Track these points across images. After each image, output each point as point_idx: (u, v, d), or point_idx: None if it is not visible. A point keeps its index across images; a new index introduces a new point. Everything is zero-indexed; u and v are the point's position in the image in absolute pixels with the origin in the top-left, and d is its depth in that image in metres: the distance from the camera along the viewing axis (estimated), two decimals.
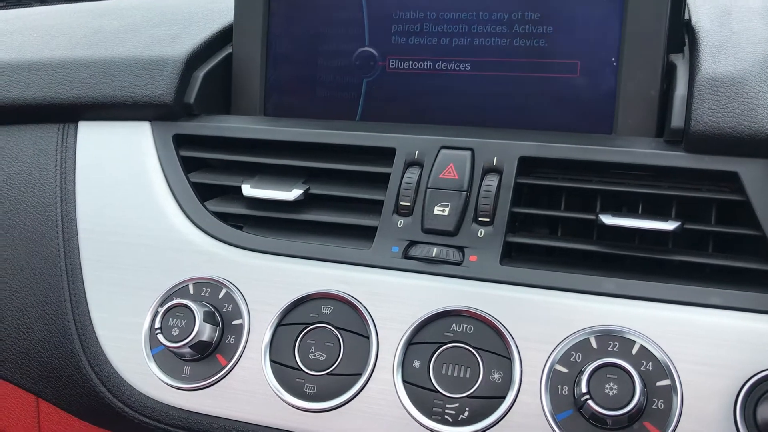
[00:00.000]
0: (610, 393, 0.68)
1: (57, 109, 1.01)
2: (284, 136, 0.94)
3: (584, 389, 0.69)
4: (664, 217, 0.79)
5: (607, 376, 0.69)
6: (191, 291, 0.85)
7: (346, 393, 0.77)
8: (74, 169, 0.98)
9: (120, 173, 0.96)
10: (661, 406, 0.70)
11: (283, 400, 0.79)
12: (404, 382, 0.76)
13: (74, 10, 1.31)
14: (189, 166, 0.96)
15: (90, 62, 1.02)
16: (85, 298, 0.89)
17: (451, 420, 0.74)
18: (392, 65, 0.98)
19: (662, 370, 0.71)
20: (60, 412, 0.93)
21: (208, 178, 0.95)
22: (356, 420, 0.77)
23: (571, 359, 0.73)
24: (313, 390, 0.79)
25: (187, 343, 0.80)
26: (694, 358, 0.71)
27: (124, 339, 0.86)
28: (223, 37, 1.06)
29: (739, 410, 0.69)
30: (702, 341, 0.72)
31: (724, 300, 0.73)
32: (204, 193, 0.94)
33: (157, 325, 0.82)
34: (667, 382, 0.71)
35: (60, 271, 0.92)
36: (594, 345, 0.73)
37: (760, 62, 0.81)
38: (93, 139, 1.00)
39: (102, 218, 0.93)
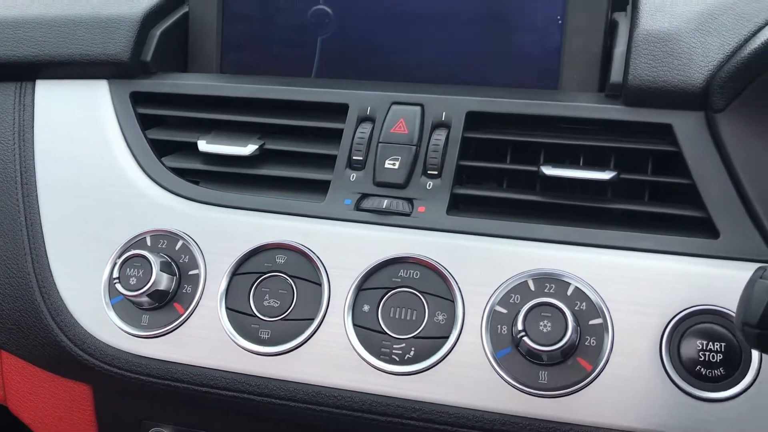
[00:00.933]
0: (544, 330, 0.72)
1: (13, 68, 1.02)
2: (239, 92, 0.96)
3: (520, 327, 0.73)
4: (602, 168, 0.83)
5: (542, 314, 0.73)
6: (149, 243, 0.88)
7: (299, 337, 0.81)
8: (32, 127, 0.99)
9: (78, 130, 0.97)
10: (593, 343, 0.75)
11: (239, 345, 0.82)
12: (354, 325, 0.80)
13: None
14: (146, 123, 0.98)
15: (46, 21, 1.03)
16: (45, 251, 0.91)
17: (398, 359, 0.78)
18: (346, 23, 1.00)
19: (595, 309, 0.75)
20: (22, 362, 0.95)
21: (164, 134, 0.97)
22: (309, 362, 0.81)
23: (510, 301, 0.77)
24: (268, 335, 0.82)
25: (145, 291, 0.82)
26: (625, 298, 0.76)
27: (84, 290, 0.89)
28: None
29: (665, 346, 0.73)
30: (632, 283, 0.76)
31: (653, 244, 0.78)
32: (161, 149, 0.96)
33: (116, 275, 0.84)
34: (599, 320, 0.75)
35: (20, 226, 0.93)
36: (532, 287, 0.77)
37: (694, 19, 0.84)
38: (50, 97, 1.01)
39: (60, 174, 0.95)
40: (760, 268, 0.57)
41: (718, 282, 0.74)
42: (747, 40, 0.80)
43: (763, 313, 0.54)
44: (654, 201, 0.84)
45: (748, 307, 0.54)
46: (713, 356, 0.72)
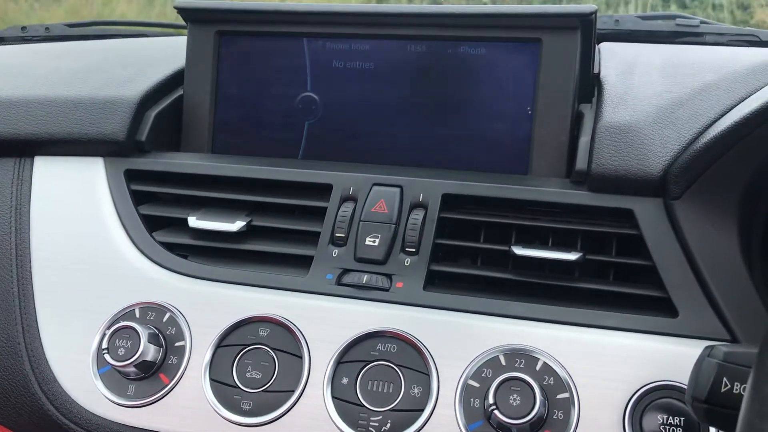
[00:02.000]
0: (514, 404, 0.76)
1: (14, 144, 1.08)
2: (229, 171, 1.01)
3: (491, 400, 0.76)
4: (569, 249, 0.88)
5: (512, 388, 0.77)
6: (137, 315, 0.92)
7: (279, 408, 0.84)
8: (29, 200, 1.04)
9: (73, 205, 1.02)
10: (560, 416, 0.78)
11: (221, 416, 0.85)
12: (333, 397, 0.83)
13: (34, 50, 1.38)
14: (139, 199, 1.03)
15: (47, 100, 1.09)
16: (36, 321, 0.94)
17: (374, 431, 0.81)
18: (331, 109, 1.07)
19: (562, 384, 0.79)
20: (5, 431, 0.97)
21: (156, 210, 1.02)
22: None
23: (483, 375, 0.81)
24: (249, 406, 0.85)
25: (132, 362, 0.86)
26: (590, 373, 0.80)
27: (73, 359, 0.91)
28: (176, 79, 1.14)
29: (628, 419, 0.77)
30: (597, 359, 0.81)
31: (616, 322, 0.82)
32: (152, 224, 1.00)
33: (104, 345, 0.87)
34: (566, 395, 0.79)
35: (12, 297, 0.97)
36: (503, 362, 0.81)
37: (653, 113, 0.92)
38: (48, 172, 1.06)
39: (55, 247, 0.99)
40: (707, 347, 0.62)
41: (677, 359, 0.79)
42: (701, 133, 0.87)
43: (710, 389, 0.58)
44: (618, 281, 0.90)
45: (697, 383, 0.59)
46: (673, 430, 0.76)
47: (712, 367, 0.59)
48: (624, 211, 0.88)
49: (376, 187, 0.95)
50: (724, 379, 0.58)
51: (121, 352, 0.87)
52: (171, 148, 1.11)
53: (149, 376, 0.88)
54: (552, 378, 0.80)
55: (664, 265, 0.84)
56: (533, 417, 0.75)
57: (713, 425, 0.60)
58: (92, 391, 0.89)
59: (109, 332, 0.88)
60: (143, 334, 0.87)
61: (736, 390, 0.57)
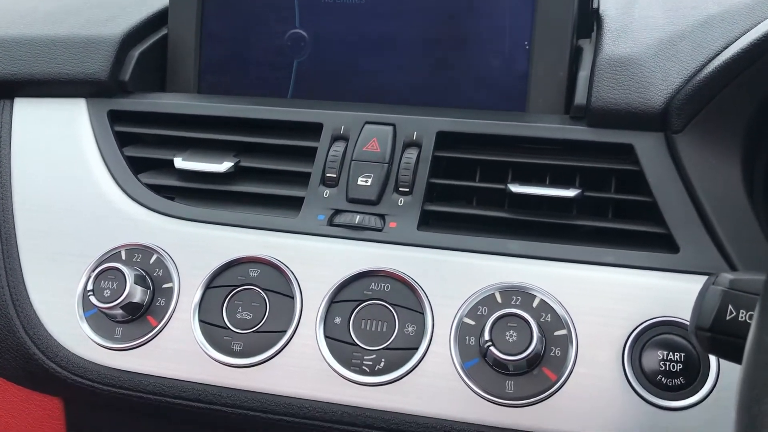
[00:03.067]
0: (510, 340, 0.74)
1: None
2: (216, 111, 0.98)
3: (487, 337, 0.75)
4: (567, 186, 0.86)
5: (508, 324, 0.75)
6: (123, 256, 0.89)
7: (271, 349, 0.82)
8: (9, 143, 1.00)
9: (55, 147, 0.99)
10: (557, 353, 0.77)
11: (211, 357, 0.83)
12: (326, 337, 0.82)
13: None
14: (123, 140, 0.99)
15: (26, 40, 1.05)
16: (20, 264, 0.92)
17: (368, 370, 0.80)
18: (321, 46, 1.03)
19: (559, 321, 0.78)
20: None
21: (141, 151, 0.99)
22: (281, 374, 0.82)
23: (478, 312, 0.79)
24: (240, 347, 0.83)
25: (118, 303, 0.83)
26: (589, 310, 0.78)
27: (58, 303, 0.89)
28: (160, 18, 1.09)
29: (627, 356, 0.76)
30: (596, 295, 0.79)
31: (616, 258, 0.80)
32: (137, 166, 0.97)
33: (90, 287, 0.85)
34: (563, 332, 0.77)
35: None
36: (498, 299, 0.79)
37: (654, 45, 0.88)
38: (29, 114, 1.03)
39: (38, 190, 0.96)
40: (711, 275, 0.60)
41: (678, 294, 0.77)
42: (704, 65, 0.84)
43: (715, 316, 0.56)
44: (617, 218, 0.87)
45: (701, 311, 0.57)
46: (673, 366, 0.74)
47: (717, 295, 0.57)
48: (624, 146, 0.85)
49: (368, 126, 0.92)
50: (729, 306, 0.56)
51: (107, 293, 0.84)
52: (155, 88, 1.07)
53: (137, 319, 0.86)
54: (549, 315, 0.78)
55: (665, 200, 0.82)
56: (530, 353, 0.74)
57: (717, 354, 0.58)
58: (78, 335, 0.87)
59: (94, 274, 0.86)
60: (129, 275, 0.84)
61: (742, 317, 0.55)
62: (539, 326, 0.76)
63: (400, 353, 0.80)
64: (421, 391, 0.78)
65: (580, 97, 0.89)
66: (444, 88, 0.99)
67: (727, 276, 0.58)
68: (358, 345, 0.81)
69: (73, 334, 0.88)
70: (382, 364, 0.80)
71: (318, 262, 0.85)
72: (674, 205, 0.82)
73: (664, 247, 0.81)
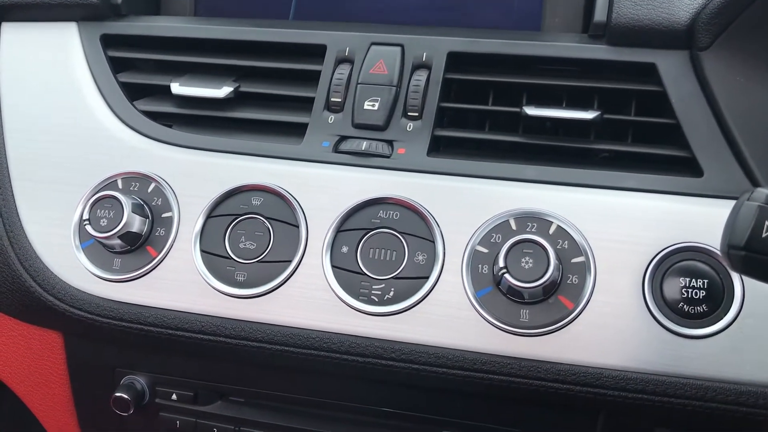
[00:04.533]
0: (526, 267, 0.71)
1: None
2: (214, 34, 0.93)
3: (502, 264, 0.71)
4: (585, 108, 0.81)
5: (524, 251, 0.71)
6: (120, 185, 0.85)
7: (276, 279, 0.79)
8: None
9: (46, 73, 0.94)
10: (575, 281, 0.73)
11: (214, 288, 0.80)
12: (333, 266, 0.78)
13: None
14: (117, 66, 0.94)
15: None
16: (13, 195, 0.88)
17: (377, 300, 0.77)
18: None
19: (577, 248, 0.74)
20: None
21: (136, 77, 0.94)
22: (286, 304, 0.79)
23: (491, 240, 0.76)
24: (244, 277, 0.80)
25: (116, 233, 0.80)
26: (608, 236, 0.75)
27: (53, 234, 0.86)
28: None
29: (647, 283, 0.72)
30: (615, 221, 0.75)
31: (636, 183, 0.76)
32: (133, 92, 0.93)
33: (86, 216, 0.81)
34: (581, 258, 0.74)
35: None
36: (513, 226, 0.76)
37: None
38: (17, 39, 0.97)
39: (28, 117, 0.92)
40: (746, 191, 0.56)
41: (702, 219, 0.74)
42: None
43: (750, 234, 0.52)
44: (637, 142, 0.83)
45: (734, 229, 0.53)
46: (696, 293, 0.71)
47: (753, 211, 0.53)
48: (646, 65, 0.80)
49: (374, 47, 0.87)
50: (766, 222, 0.52)
51: (104, 222, 0.81)
52: (150, 11, 1.02)
53: (135, 249, 0.83)
54: (566, 242, 0.75)
55: (689, 122, 0.77)
56: (546, 281, 0.70)
57: (751, 275, 0.54)
58: (76, 267, 0.84)
59: (90, 203, 0.82)
60: (126, 204, 0.81)
61: None
62: (556, 253, 0.72)
63: (410, 282, 0.77)
64: (432, 320, 0.76)
65: (599, 14, 0.84)
66: (454, 7, 0.93)
67: (764, 191, 0.54)
68: (366, 274, 0.78)
69: (70, 265, 0.84)
70: (391, 293, 0.77)
71: (323, 189, 0.82)
72: (699, 126, 0.77)
73: (688, 171, 0.77)
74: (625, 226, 0.75)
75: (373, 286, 0.77)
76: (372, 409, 0.83)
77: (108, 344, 0.89)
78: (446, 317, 0.75)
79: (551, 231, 0.75)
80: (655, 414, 0.74)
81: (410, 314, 0.76)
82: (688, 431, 0.77)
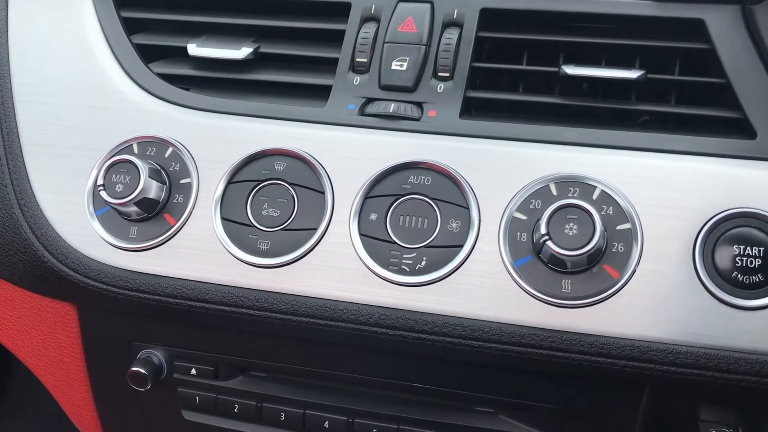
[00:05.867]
0: (570, 233, 0.67)
1: None
2: None
3: (543, 230, 0.67)
4: (627, 67, 0.77)
5: (567, 217, 0.67)
6: (136, 150, 0.81)
7: (301, 248, 0.75)
8: (6, 30, 0.91)
9: (57, 34, 0.89)
10: (620, 249, 0.69)
11: (235, 257, 0.76)
12: (361, 234, 0.74)
13: None
14: (131, 27, 0.90)
15: None
16: (23, 161, 0.84)
17: (408, 270, 0.73)
18: None
19: (622, 214, 0.70)
20: (1, 282, 0.89)
21: (151, 39, 0.89)
22: (312, 274, 0.75)
23: (530, 206, 0.72)
24: (267, 246, 0.76)
25: (132, 199, 0.76)
26: (655, 202, 0.70)
27: (66, 201, 0.82)
28: None
29: (698, 251, 0.68)
30: (663, 186, 0.70)
31: (686, 145, 0.72)
32: (148, 55, 0.88)
33: (100, 182, 0.77)
34: (627, 225, 0.69)
35: None
36: (554, 192, 0.71)
37: None
38: (26, 0, 0.93)
39: (39, 79, 0.88)
40: None
41: (756, 184, 0.69)
42: None
43: None
44: (682, 104, 0.78)
45: None
46: (751, 262, 0.67)
47: None
48: (693, 21, 0.75)
49: (401, 4, 0.82)
50: None
51: (119, 188, 0.77)
52: None
53: (153, 217, 0.79)
54: (611, 208, 0.70)
55: (741, 81, 0.73)
56: (591, 248, 0.66)
57: None
58: (90, 235, 0.80)
59: (104, 168, 0.78)
60: (143, 168, 0.77)
61: None
62: (601, 219, 0.67)
63: (443, 251, 0.72)
64: (467, 291, 0.71)
65: None
66: None
67: None
68: (396, 243, 0.73)
69: (84, 234, 0.81)
70: (423, 263, 0.73)
71: (350, 154, 0.77)
72: (751, 85, 0.72)
73: (739, 133, 0.73)
74: (674, 191, 0.70)
75: (404, 256, 0.73)
76: (401, 385, 0.80)
77: (124, 317, 0.85)
78: (482, 288, 0.71)
79: (595, 196, 0.71)
80: (704, 390, 0.70)
81: (443, 285, 0.72)
82: (736, 410, 0.72)
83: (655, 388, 0.72)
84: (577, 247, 0.66)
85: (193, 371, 0.85)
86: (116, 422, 0.94)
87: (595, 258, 0.68)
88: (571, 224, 0.67)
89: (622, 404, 0.74)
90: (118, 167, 0.78)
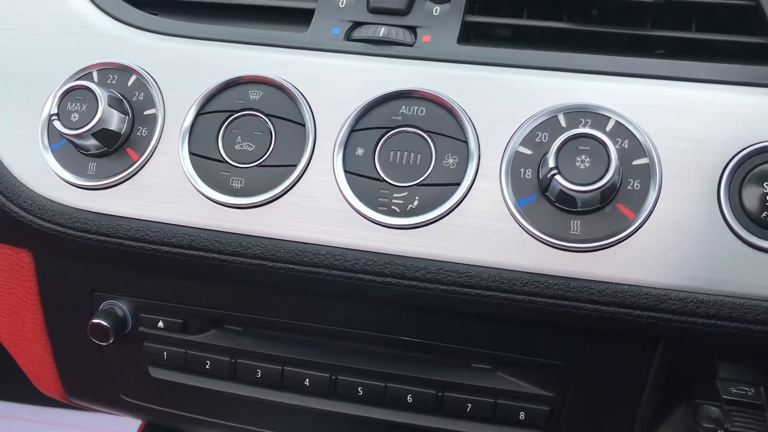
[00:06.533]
0: (581, 167, 0.59)
1: None
2: None
3: (552, 163, 0.59)
4: None
5: (579, 148, 0.60)
6: (96, 78, 0.73)
7: (278, 186, 0.67)
8: None
9: None
10: (636, 186, 0.62)
11: (205, 196, 0.68)
12: (346, 171, 0.67)
13: None
14: None
15: None
16: None
17: (398, 211, 0.65)
18: None
19: (639, 148, 0.62)
20: None
21: None
22: (290, 215, 0.67)
23: (536, 140, 0.64)
24: (240, 184, 0.68)
25: (89, 130, 0.68)
26: (676, 134, 0.63)
27: (18, 135, 0.74)
28: None
29: (723, 189, 0.61)
30: (685, 116, 0.63)
31: (712, 73, 0.65)
32: None
33: (54, 110, 0.69)
34: (644, 160, 0.62)
35: None
36: (563, 123, 0.64)
37: None
38: None
39: None
40: None
41: None
42: None
43: None
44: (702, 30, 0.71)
45: None
46: None
47: None
48: None
49: None
50: None
51: (75, 118, 0.68)
52: None
53: (114, 152, 0.71)
54: (627, 141, 0.63)
55: None
56: (605, 184, 0.59)
57: None
58: (44, 172, 0.72)
59: (59, 95, 0.69)
60: (102, 96, 0.69)
61: None
62: (617, 152, 0.60)
63: (438, 190, 0.65)
64: (464, 234, 0.64)
65: None
66: None
67: None
68: (385, 181, 0.66)
69: (38, 170, 0.73)
70: (415, 203, 0.65)
71: (334, 82, 0.69)
72: None
73: (765, 61, 0.65)
74: (697, 122, 0.63)
75: (394, 195, 0.66)
76: (389, 339, 0.72)
77: (84, 264, 0.77)
78: (481, 230, 0.64)
79: (608, 128, 0.63)
80: (724, 345, 0.63)
81: (438, 227, 0.65)
82: (757, 367, 0.66)
83: (670, 343, 0.65)
84: (589, 182, 0.59)
85: (161, 324, 0.78)
86: (77, 381, 0.87)
87: (608, 196, 0.61)
88: (583, 156, 0.59)
89: (633, 361, 0.68)
90: (73, 94, 0.69)
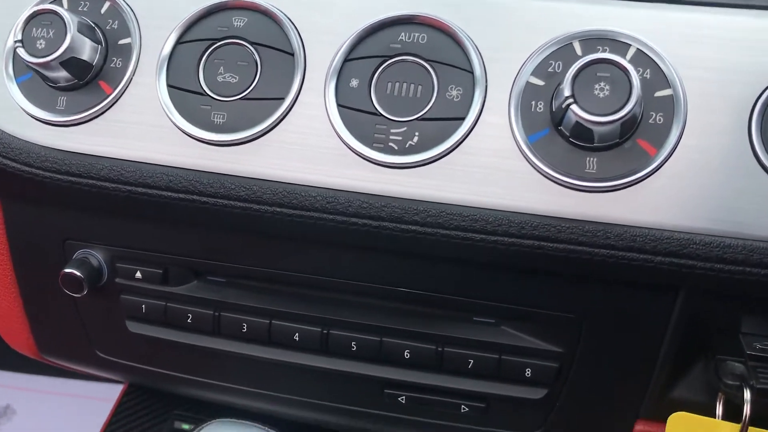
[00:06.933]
0: (600, 95, 0.53)
1: None
2: None
3: (567, 92, 0.53)
4: None
5: (598, 75, 0.54)
6: (65, 4, 0.66)
7: (264, 121, 0.62)
8: None
9: None
10: (659, 120, 0.56)
11: (185, 132, 0.63)
12: (339, 105, 0.61)
13: None
14: None
15: None
16: None
17: (396, 148, 0.59)
18: None
19: (663, 77, 0.57)
20: None
21: None
22: (277, 153, 0.62)
23: (549, 69, 0.58)
24: (223, 118, 0.62)
25: (57, 57, 0.62)
26: (702, 64, 0.57)
27: None
28: None
29: (755, 123, 0.55)
30: (713, 44, 0.57)
31: None
32: None
33: (18, 37, 0.63)
34: (668, 92, 0.56)
35: None
36: (578, 51, 0.58)
37: None
38: None
39: None
40: None
41: None
42: None
43: None
44: None
45: None
46: None
47: None
48: None
49: None
50: None
51: (41, 45, 0.62)
52: None
53: (85, 84, 0.65)
54: (648, 70, 0.57)
55: None
56: (626, 114, 0.53)
57: None
58: (8, 107, 0.67)
59: (23, 20, 0.63)
60: (71, 21, 0.62)
61: None
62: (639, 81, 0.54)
63: (440, 125, 0.59)
64: (468, 173, 0.59)
65: None
66: None
67: None
68: (382, 115, 0.60)
69: (2, 105, 0.67)
70: (415, 139, 0.59)
71: (326, 7, 0.63)
72: None
73: None
74: (726, 50, 0.57)
75: (392, 130, 0.60)
76: (385, 290, 0.67)
77: (56, 209, 0.72)
78: (487, 169, 0.58)
79: (629, 56, 0.57)
80: (750, 295, 0.58)
81: (439, 165, 0.59)
82: None
83: (691, 293, 0.60)
84: (608, 112, 0.53)
85: (138, 275, 0.72)
86: (51, 336, 0.82)
87: (628, 129, 0.55)
88: (602, 84, 0.53)
89: (651, 313, 0.62)
90: (39, 19, 0.63)
